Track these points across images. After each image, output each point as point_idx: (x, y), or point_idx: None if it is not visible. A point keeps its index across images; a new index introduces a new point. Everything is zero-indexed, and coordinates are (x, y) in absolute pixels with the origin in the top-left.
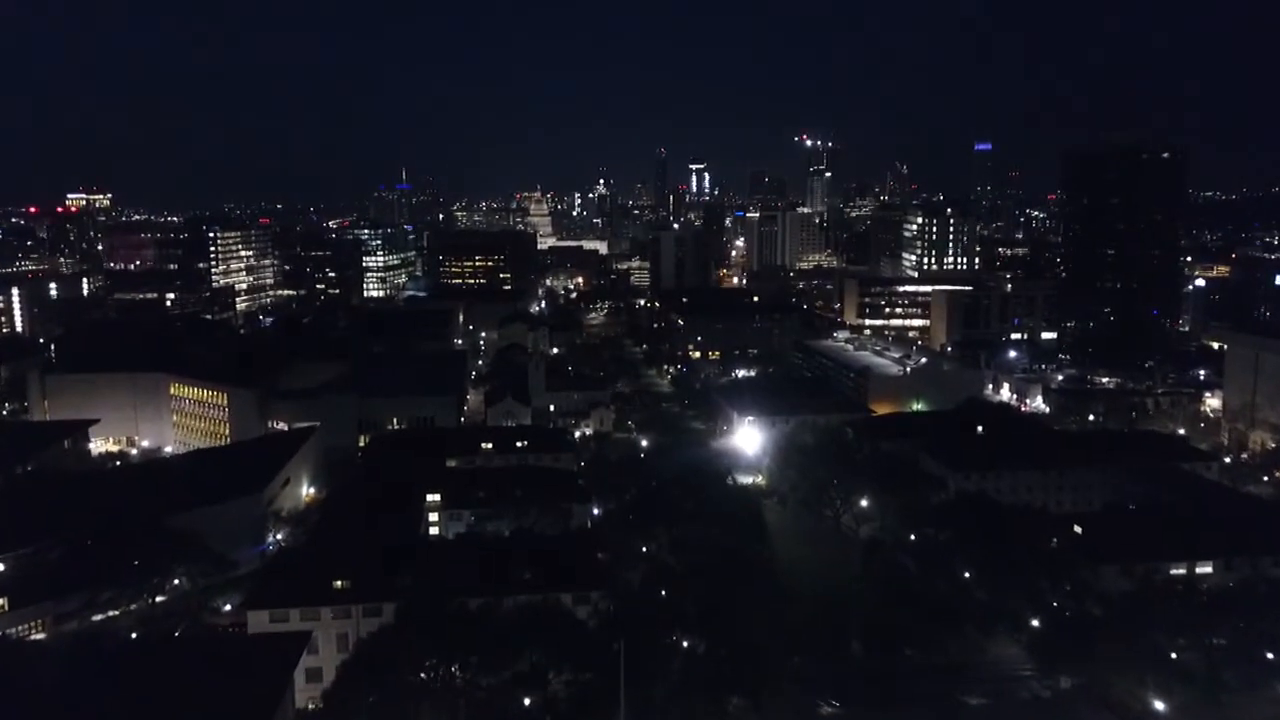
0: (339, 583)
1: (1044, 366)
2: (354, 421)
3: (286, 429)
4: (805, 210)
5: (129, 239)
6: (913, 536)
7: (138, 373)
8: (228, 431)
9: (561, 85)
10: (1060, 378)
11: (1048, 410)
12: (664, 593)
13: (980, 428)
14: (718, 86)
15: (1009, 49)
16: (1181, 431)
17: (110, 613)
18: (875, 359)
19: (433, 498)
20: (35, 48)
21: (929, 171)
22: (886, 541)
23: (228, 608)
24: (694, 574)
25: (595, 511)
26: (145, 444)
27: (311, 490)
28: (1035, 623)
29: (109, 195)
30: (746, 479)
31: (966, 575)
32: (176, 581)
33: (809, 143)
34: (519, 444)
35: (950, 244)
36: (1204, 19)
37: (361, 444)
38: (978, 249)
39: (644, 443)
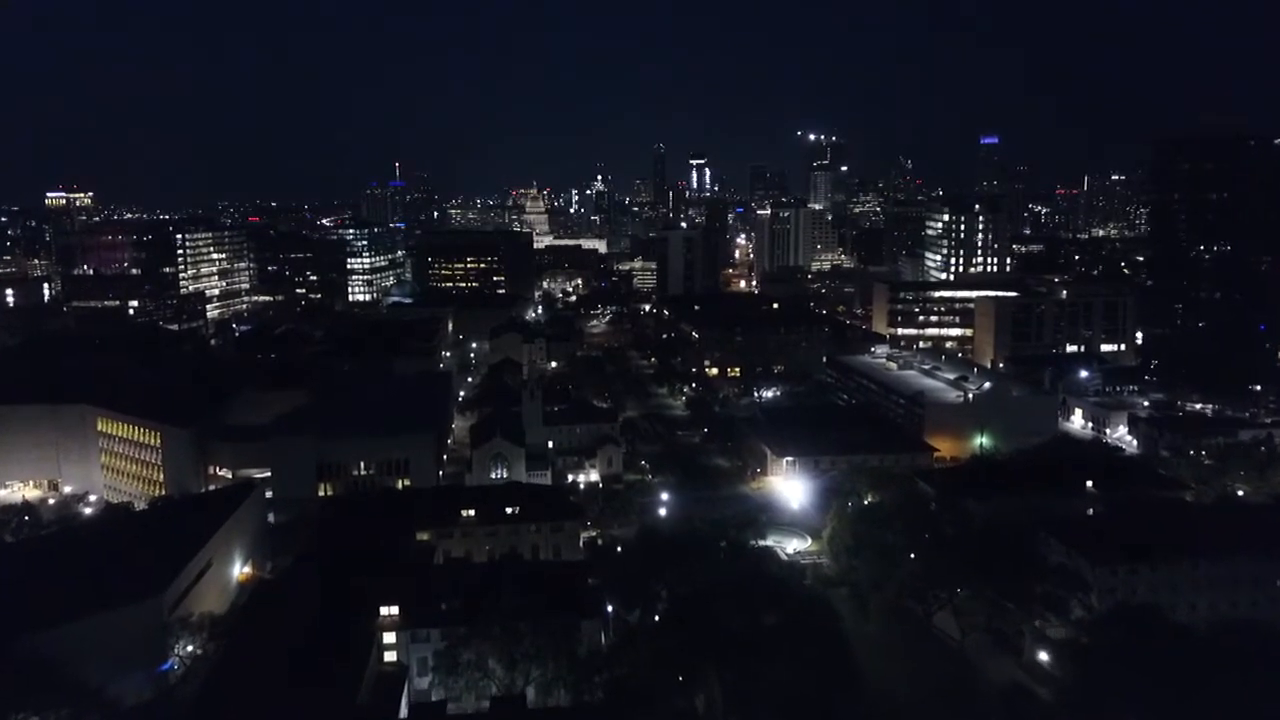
0: None
1: (1120, 389)
2: (312, 467)
3: (231, 475)
4: (816, 207)
5: (98, 240)
6: (1044, 655)
7: (60, 404)
8: (161, 478)
9: (559, 81)
10: (1145, 403)
11: (1135, 445)
12: None
13: (1091, 482)
14: (716, 82)
15: (1010, 42)
16: None
17: None
18: (927, 381)
19: (390, 610)
20: (33, 46)
21: (933, 166)
22: (1032, 687)
23: None
24: None
25: (610, 608)
26: (69, 489)
27: (247, 568)
28: None
29: (90, 194)
30: (798, 544)
31: None
32: None
33: (811, 137)
34: (509, 510)
35: (980, 244)
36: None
37: (322, 492)
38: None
39: (664, 495)
